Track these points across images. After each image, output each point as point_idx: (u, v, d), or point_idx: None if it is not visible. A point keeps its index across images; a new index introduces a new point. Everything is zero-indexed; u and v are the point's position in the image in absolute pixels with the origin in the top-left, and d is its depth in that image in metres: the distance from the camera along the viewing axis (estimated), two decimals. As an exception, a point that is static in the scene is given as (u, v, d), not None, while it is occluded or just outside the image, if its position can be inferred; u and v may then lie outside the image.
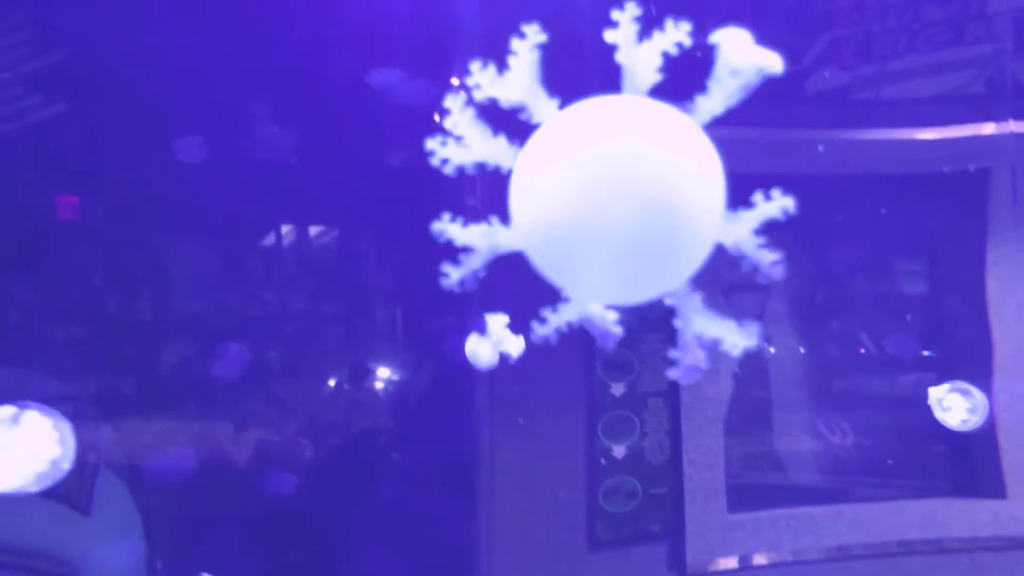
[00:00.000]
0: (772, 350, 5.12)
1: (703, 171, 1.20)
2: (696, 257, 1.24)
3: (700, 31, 1.24)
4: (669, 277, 1.25)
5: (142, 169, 4.20)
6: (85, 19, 3.72)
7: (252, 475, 4.43)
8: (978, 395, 3.99)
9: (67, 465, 2.47)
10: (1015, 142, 4.57)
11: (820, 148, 3.68)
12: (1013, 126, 4.56)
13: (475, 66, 1.28)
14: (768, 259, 1.25)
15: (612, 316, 1.37)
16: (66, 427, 2.47)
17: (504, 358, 3.38)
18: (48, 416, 2.42)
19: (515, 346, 3.41)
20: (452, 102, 1.31)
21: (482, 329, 3.41)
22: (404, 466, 4.76)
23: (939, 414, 4.02)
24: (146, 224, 4.39)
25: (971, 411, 3.98)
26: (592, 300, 1.32)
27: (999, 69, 4.52)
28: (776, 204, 1.23)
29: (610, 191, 1.17)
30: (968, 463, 4.89)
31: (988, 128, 4.54)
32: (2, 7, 3.81)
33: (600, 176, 1.18)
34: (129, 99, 3.94)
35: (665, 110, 1.23)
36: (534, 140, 1.26)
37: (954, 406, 4.00)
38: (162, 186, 4.21)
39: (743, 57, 1.20)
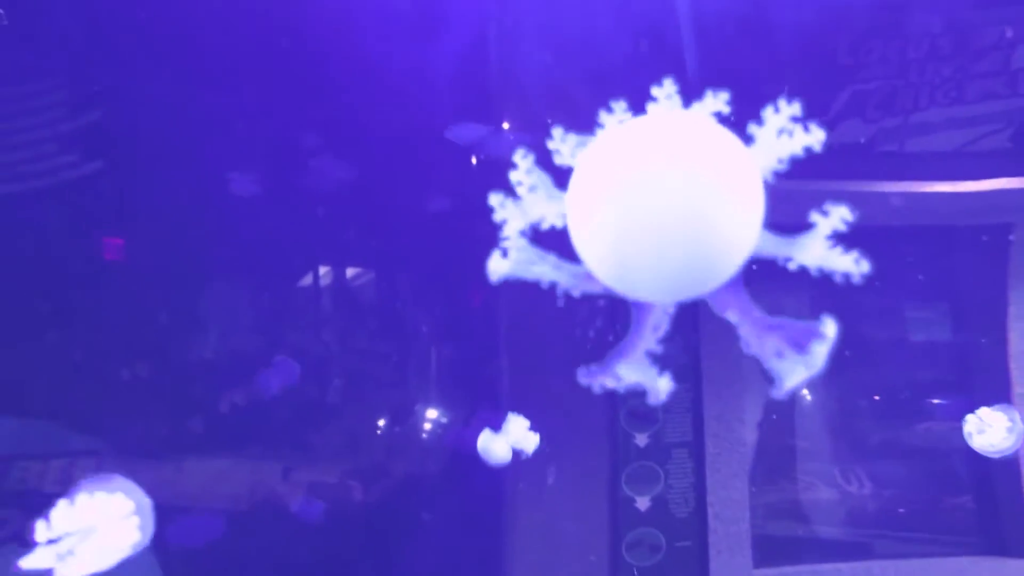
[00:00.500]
0: (809, 397, 5.10)
1: (741, 180, 1.23)
2: (739, 255, 1.24)
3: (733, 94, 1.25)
4: (714, 275, 1.26)
5: (189, 209, 4.21)
6: (123, 74, 3.76)
7: (275, 525, 4.37)
8: (1019, 419, 3.96)
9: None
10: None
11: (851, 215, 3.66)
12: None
13: (557, 132, 1.28)
14: (847, 261, 1.25)
15: (665, 380, 1.37)
16: (148, 508, 2.41)
17: (518, 454, 3.41)
18: (132, 498, 2.36)
19: (531, 443, 3.44)
20: (520, 159, 1.32)
21: (498, 426, 3.43)
22: (433, 514, 4.71)
23: (976, 439, 3.98)
24: (190, 265, 4.39)
25: (1011, 431, 3.95)
26: (647, 299, 1.32)
27: (1022, 123, 4.55)
28: (835, 216, 1.26)
29: (657, 200, 1.19)
30: (996, 521, 4.83)
31: (1011, 182, 4.55)
32: (39, 70, 3.86)
33: (649, 189, 1.19)
34: (175, 143, 3.96)
35: (706, 123, 1.25)
36: (585, 157, 1.27)
37: (996, 423, 3.97)
38: (210, 226, 4.22)
39: (785, 128, 1.23)
